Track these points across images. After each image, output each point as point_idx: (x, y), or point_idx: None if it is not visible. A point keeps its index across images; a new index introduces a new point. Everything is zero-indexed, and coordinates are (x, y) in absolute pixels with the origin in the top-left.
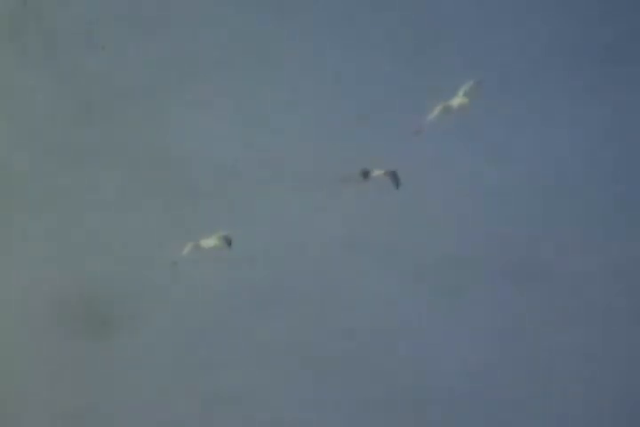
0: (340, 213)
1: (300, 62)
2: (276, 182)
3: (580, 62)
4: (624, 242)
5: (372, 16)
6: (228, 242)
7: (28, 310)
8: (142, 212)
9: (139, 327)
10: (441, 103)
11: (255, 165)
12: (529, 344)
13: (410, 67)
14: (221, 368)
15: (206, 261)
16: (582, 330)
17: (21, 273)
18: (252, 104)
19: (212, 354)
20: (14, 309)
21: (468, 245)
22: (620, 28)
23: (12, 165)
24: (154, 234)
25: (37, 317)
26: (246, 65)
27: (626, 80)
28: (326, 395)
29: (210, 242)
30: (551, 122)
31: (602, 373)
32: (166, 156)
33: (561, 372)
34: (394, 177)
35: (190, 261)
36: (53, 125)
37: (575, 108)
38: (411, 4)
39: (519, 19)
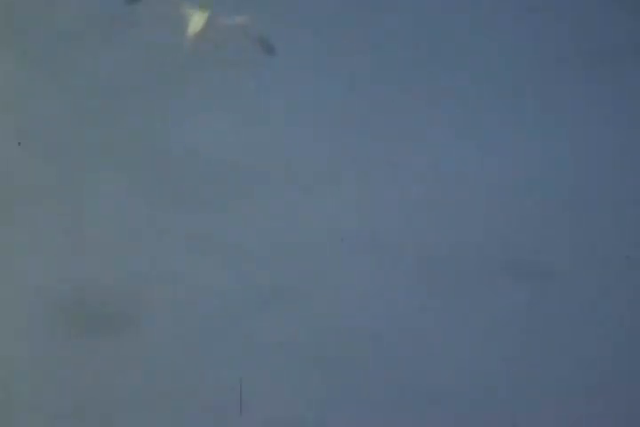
0: (341, 213)
1: (301, 61)
2: (277, 182)
3: (581, 62)
4: (625, 242)
5: (374, 16)
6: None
7: (28, 309)
8: (142, 211)
9: (139, 327)
10: None
11: (256, 164)
12: (530, 344)
13: (412, 67)
14: (221, 368)
15: (206, 260)
16: (583, 330)
17: (21, 273)
18: (253, 104)
19: (213, 354)
20: (14, 308)
21: (468, 244)
22: (622, 28)
23: (11, 164)
24: (154, 234)
25: (37, 316)
26: (247, 65)
27: (627, 80)
28: (327, 395)
29: None
30: (552, 122)
31: (603, 373)
32: (167, 156)
33: (562, 372)
34: None
35: (190, 261)
36: (53, 125)
37: (576, 108)
38: (412, 4)
39: (520, 19)
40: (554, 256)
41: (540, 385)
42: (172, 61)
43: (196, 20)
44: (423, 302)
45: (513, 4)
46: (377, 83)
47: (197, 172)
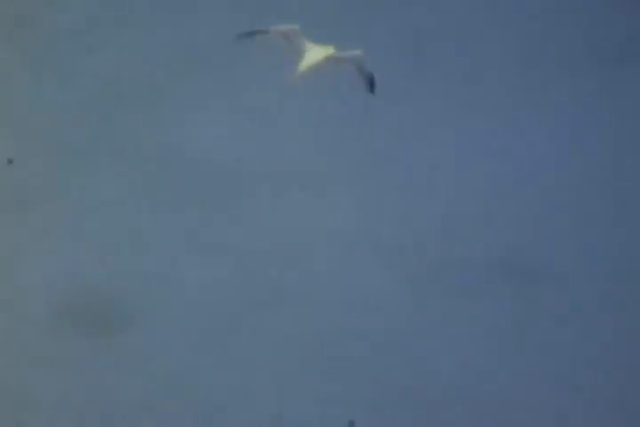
0: (343, 214)
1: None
2: (278, 182)
3: (580, 62)
4: (625, 242)
5: (373, 17)
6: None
7: (28, 309)
8: (142, 211)
9: (139, 327)
10: None
11: (256, 165)
12: (530, 346)
13: (411, 68)
14: (221, 368)
15: (207, 260)
16: (583, 331)
17: (21, 273)
18: (254, 104)
19: (213, 354)
20: (14, 308)
21: (469, 245)
22: (622, 29)
23: (11, 165)
24: (154, 234)
25: (37, 316)
26: (247, 65)
27: (626, 80)
28: (327, 395)
29: None
30: (553, 122)
31: (602, 373)
32: (167, 156)
33: (562, 373)
34: None
35: (190, 261)
36: (53, 125)
37: (575, 108)
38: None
39: (519, 18)
40: (553, 258)
41: (542, 386)
42: (173, 62)
43: (312, 54)
44: (423, 302)
45: (514, 5)
46: (379, 84)
47: (197, 173)
